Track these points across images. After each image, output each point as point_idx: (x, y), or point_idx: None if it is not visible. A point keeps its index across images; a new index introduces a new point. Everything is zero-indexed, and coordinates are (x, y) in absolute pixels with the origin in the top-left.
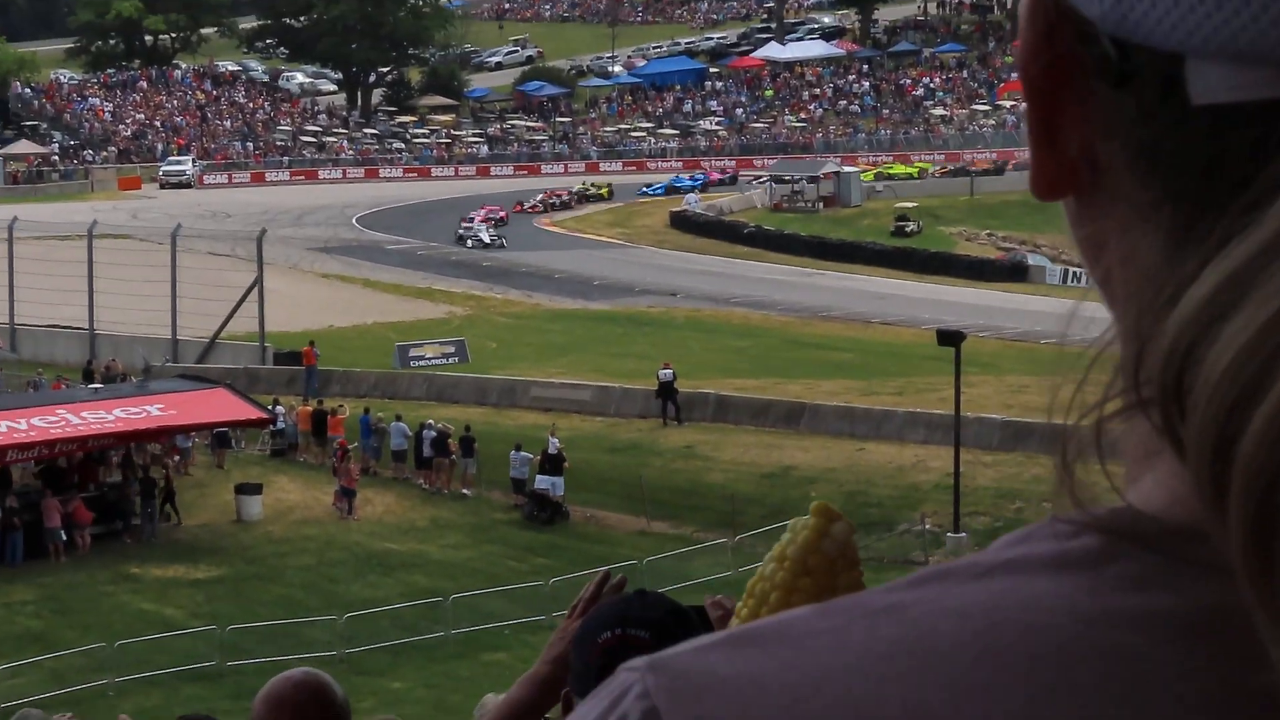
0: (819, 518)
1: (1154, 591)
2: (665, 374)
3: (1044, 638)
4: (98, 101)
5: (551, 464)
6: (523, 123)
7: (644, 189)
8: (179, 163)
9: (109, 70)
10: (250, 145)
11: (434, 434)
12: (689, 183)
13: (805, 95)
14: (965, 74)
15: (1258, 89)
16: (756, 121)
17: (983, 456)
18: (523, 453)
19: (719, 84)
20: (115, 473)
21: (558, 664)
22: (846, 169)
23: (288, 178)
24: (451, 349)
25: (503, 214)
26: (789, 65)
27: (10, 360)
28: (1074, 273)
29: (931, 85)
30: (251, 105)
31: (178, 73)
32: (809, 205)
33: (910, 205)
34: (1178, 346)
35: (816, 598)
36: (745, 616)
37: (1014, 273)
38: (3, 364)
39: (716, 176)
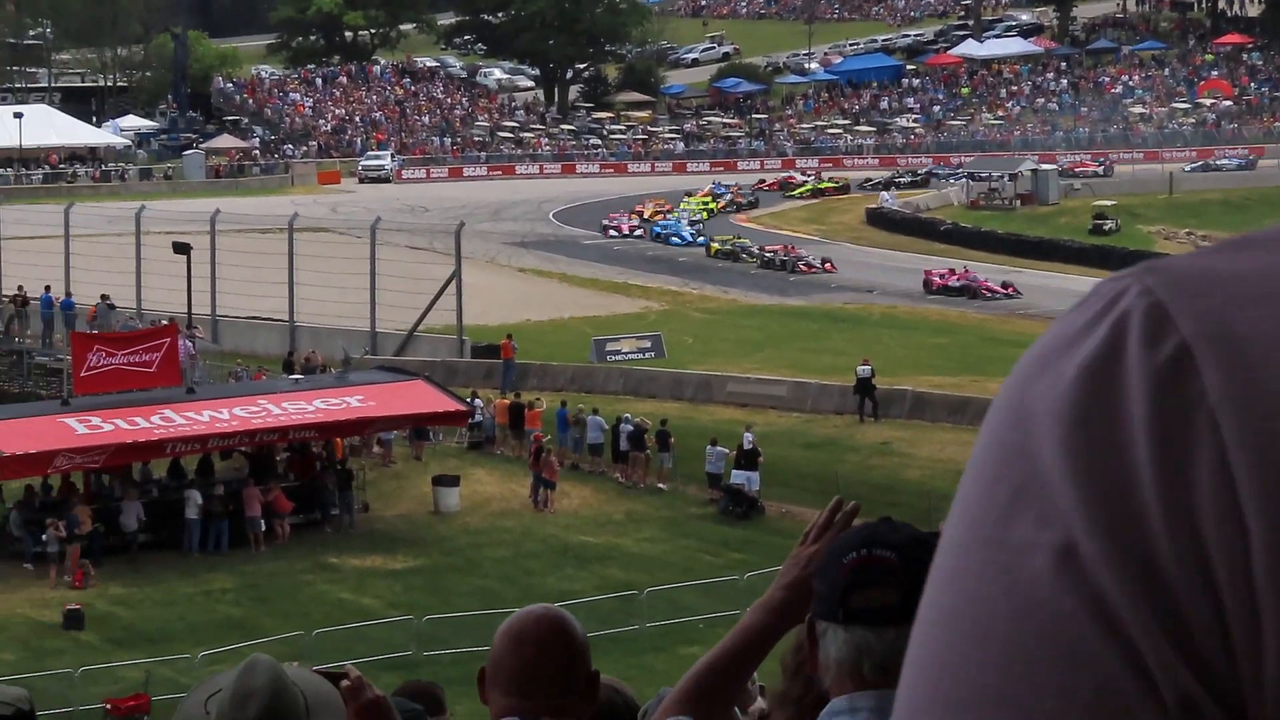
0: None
1: None
2: (864, 370)
3: None
4: (298, 97)
5: (747, 459)
6: (719, 119)
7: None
8: (378, 157)
9: (309, 65)
10: (448, 140)
11: (630, 428)
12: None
13: (1003, 93)
14: (1165, 71)
15: None
16: (953, 119)
17: None
18: (719, 447)
19: (916, 81)
20: (315, 464)
21: (791, 589)
22: (1045, 166)
23: (485, 173)
24: (648, 344)
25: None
26: (986, 63)
27: (212, 351)
28: None
29: (1130, 83)
30: (449, 100)
31: (377, 68)
32: (1006, 203)
33: (1108, 203)
34: None
35: None
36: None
37: None
38: (205, 355)
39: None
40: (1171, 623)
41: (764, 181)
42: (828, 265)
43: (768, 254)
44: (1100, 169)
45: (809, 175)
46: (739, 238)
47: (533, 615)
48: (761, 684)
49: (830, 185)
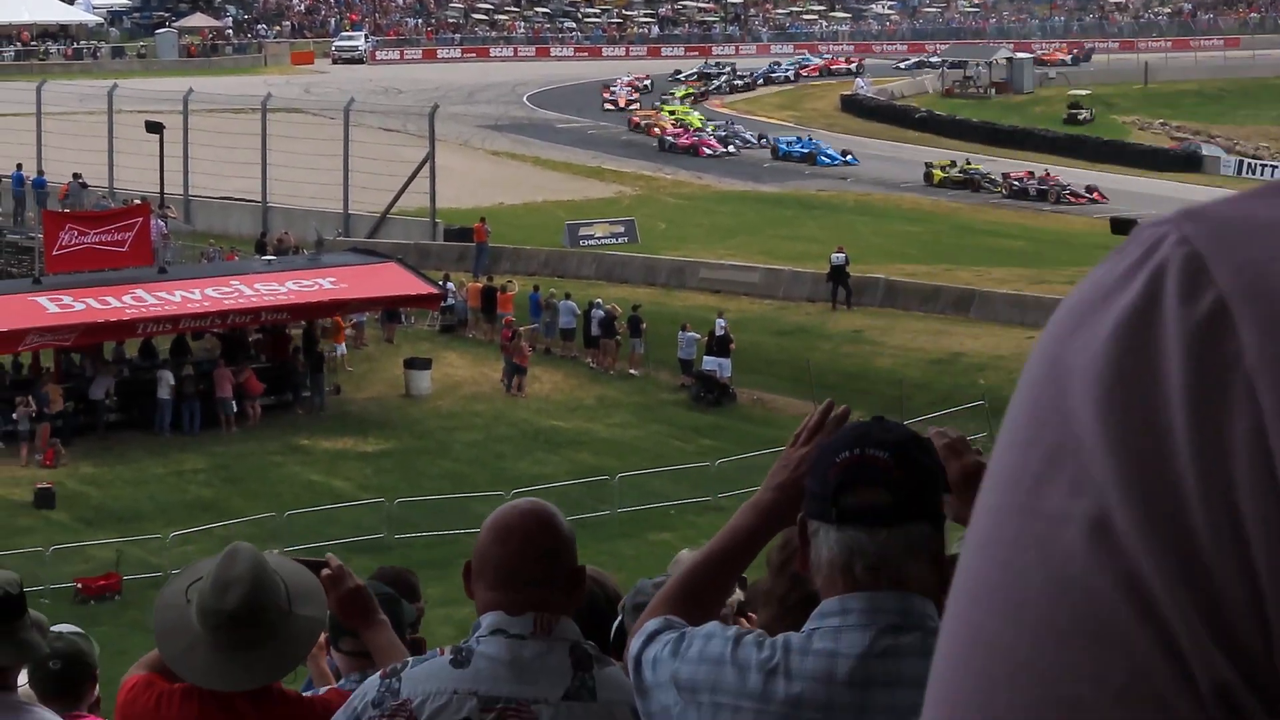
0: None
1: None
2: (838, 257)
3: None
4: None
5: (719, 345)
6: (694, 3)
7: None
8: (352, 38)
9: None
10: (422, 22)
11: (602, 314)
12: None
13: None
14: None
15: None
16: (929, 6)
17: None
18: (690, 333)
19: None
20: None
21: (782, 490)
22: (1020, 55)
23: (459, 55)
24: (621, 229)
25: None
26: None
27: (184, 231)
28: (1248, 163)
29: None
30: None
31: None
32: (981, 91)
33: (1083, 93)
34: None
35: None
36: None
37: (1188, 163)
38: (177, 235)
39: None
40: (1207, 604)
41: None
42: (1095, 195)
43: (1014, 182)
44: (1069, 59)
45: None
46: (969, 164)
47: (518, 509)
48: (743, 575)
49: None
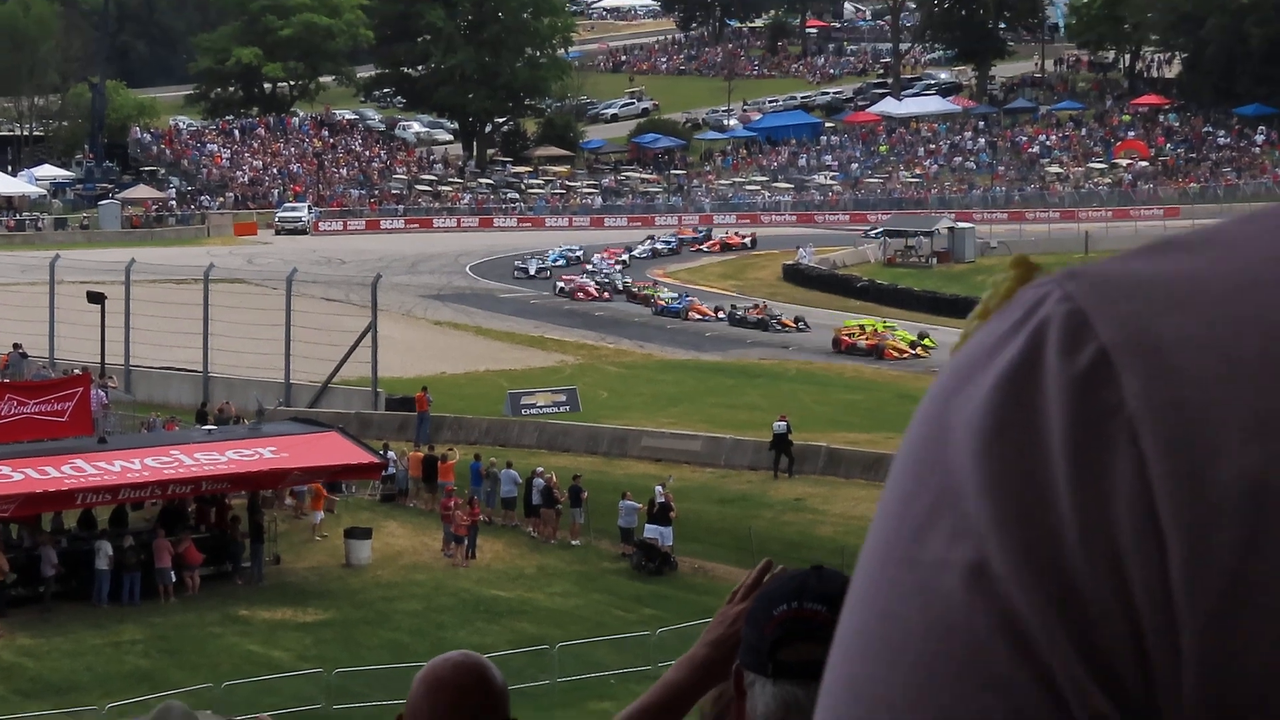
0: (1018, 268)
1: None
2: (779, 426)
3: None
4: (215, 148)
5: (659, 513)
6: (637, 174)
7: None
8: (295, 209)
9: (227, 117)
10: (366, 193)
11: (542, 483)
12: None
13: (921, 151)
14: (1082, 131)
15: None
16: (871, 176)
17: None
18: (630, 502)
19: (834, 139)
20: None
21: (716, 646)
22: (961, 224)
23: (402, 225)
24: (563, 397)
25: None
26: (905, 121)
27: (125, 401)
28: None
29: (1048, 142)
30: (368, 153)
31: (295, 120)
32: (923, 260)
33: None
34: None
35: None
36: None
37: None
38: (118, 405)
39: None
40: (1085, 642)
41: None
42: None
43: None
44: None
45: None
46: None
47: (450, 661)
48: None
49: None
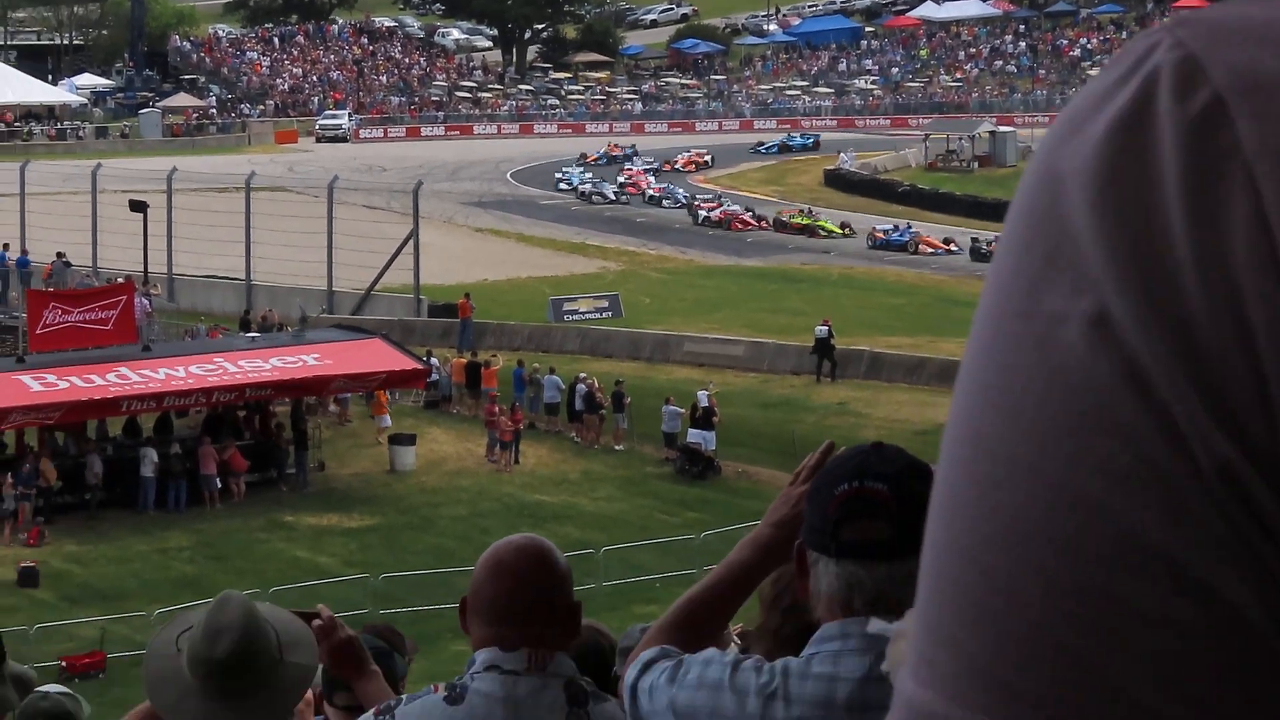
0: None
1: None
2: (822, 330)
3: None
4: (255, 56)
5: (703, 418)
6: (677, 80)
7: (756, 147)
8: (335, 117)
9: (266, 24)
10: (406, 100)
11: (585, 389)
12: (800, 140)
13: (961, 55)
14: (1123, 34)
15: None
16: (912, 81)
17: None
18: (673, 407)
19: (874, 43)
20: (273, 420)
21: (781, 526)
22: (1002, 128)
23: (443, 133)
24: (605, 303)
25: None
26: (945, 25)
27: (169, 310)
28: None
29: (1089, 46)
30: (408, 61)
31: (334, 27)
32: (964, 165)
33: None
34: None
35: None
36: None
37: None
38: (161, 314)
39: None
40: (1207, 386)
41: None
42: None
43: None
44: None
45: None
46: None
47: (513, 544)
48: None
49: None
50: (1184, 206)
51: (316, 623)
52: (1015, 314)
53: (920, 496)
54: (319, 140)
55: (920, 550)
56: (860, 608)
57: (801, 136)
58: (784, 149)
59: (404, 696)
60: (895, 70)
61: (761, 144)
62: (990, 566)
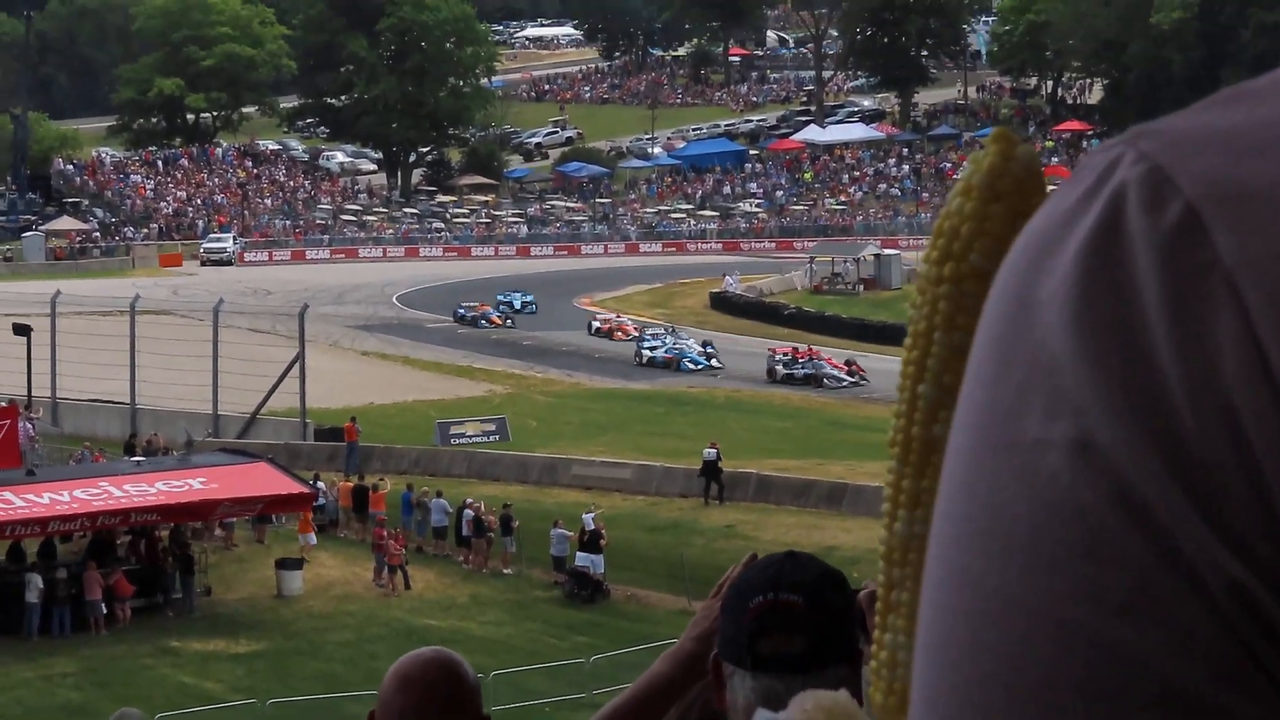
0: (1000, 143)
1: None
2: (709, 453)
3: None
4: (139, 179)
5: (590, 542)
6: (563, 203)
7: None
8: (220, 239)
9: (151, 148)
10: (290, 223)
11: (472, 514)
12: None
13: (845, 178)
14: None
15: None
16: (796, 204)
17: None
18: (562, 530)
19: (759, 166)
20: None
21: (701, 640)
22: (887, 251)
23: (328, 256)
24: (492, 427)
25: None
26: (829, 148)
27: (53, 434)
28: None
29: (960, 175)
30: (292, 184)
31: (219, 150)
32: (850, 288)
33: None
34: None
35: (1012, 224)
36: (934, 258)
37: None
38: (45, 438)
39: None
40: (1206, 505)
41: None
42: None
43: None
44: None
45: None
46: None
47: (421, 657)
48: None
49: None
50: (1168, 325)
51: None
52: (993, 446)
53: (835, 606)
54: (204, 263)
55: (833, 661)
56: None
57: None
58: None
59: None
60: (780, 193)
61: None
62: (990, 705)
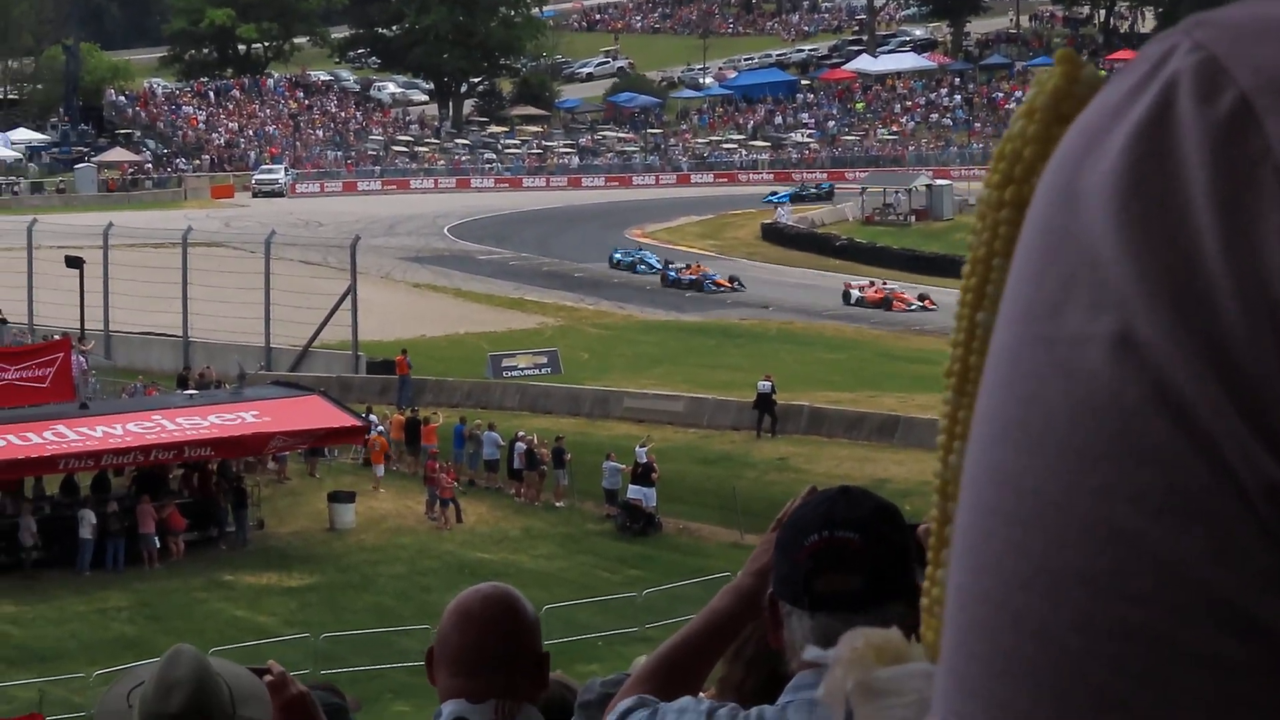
0: (1066, 64)
1: None
2: (764, 385)
3: None
4: (191, 110)
5: (643, 475)
6: (614, 134)
7: (769, 197)
8: (272, 171)
9: (202, 79)
10: (342, 154)
11: (524, 446)
12: (815, 190)
13: (897, 108)
14: None
15: None
16: (848, 134)
17: None
18: (614, 463)
19: (810, 96)
20: (211, 478)
21: (761, 575)
22: (939, 182)
23: (379, 187)
24: (544, 359)
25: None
26: (880, 78)
27: (105, 367)
28: None
29: (1023, 98)
30: (344, 114)
31: (270, 82)
32: (901, 218)
33: None
34: None
35: None
36: (995, 182)
37: None
38: (98, 371)
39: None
40: (1250, 406)
41: None
42: None
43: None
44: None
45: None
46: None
47: (480, 593)
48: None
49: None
50: (1215, 217)
51: (268, 678)
52: (1033, 340)
53: (891, 541)
54: (255, 195)
55: (891, 598)
56: None
57: (817, 187)
58: (796, 199)
59: None
60: (831, 124)
61: (774, 193)
62: (1021, 611)
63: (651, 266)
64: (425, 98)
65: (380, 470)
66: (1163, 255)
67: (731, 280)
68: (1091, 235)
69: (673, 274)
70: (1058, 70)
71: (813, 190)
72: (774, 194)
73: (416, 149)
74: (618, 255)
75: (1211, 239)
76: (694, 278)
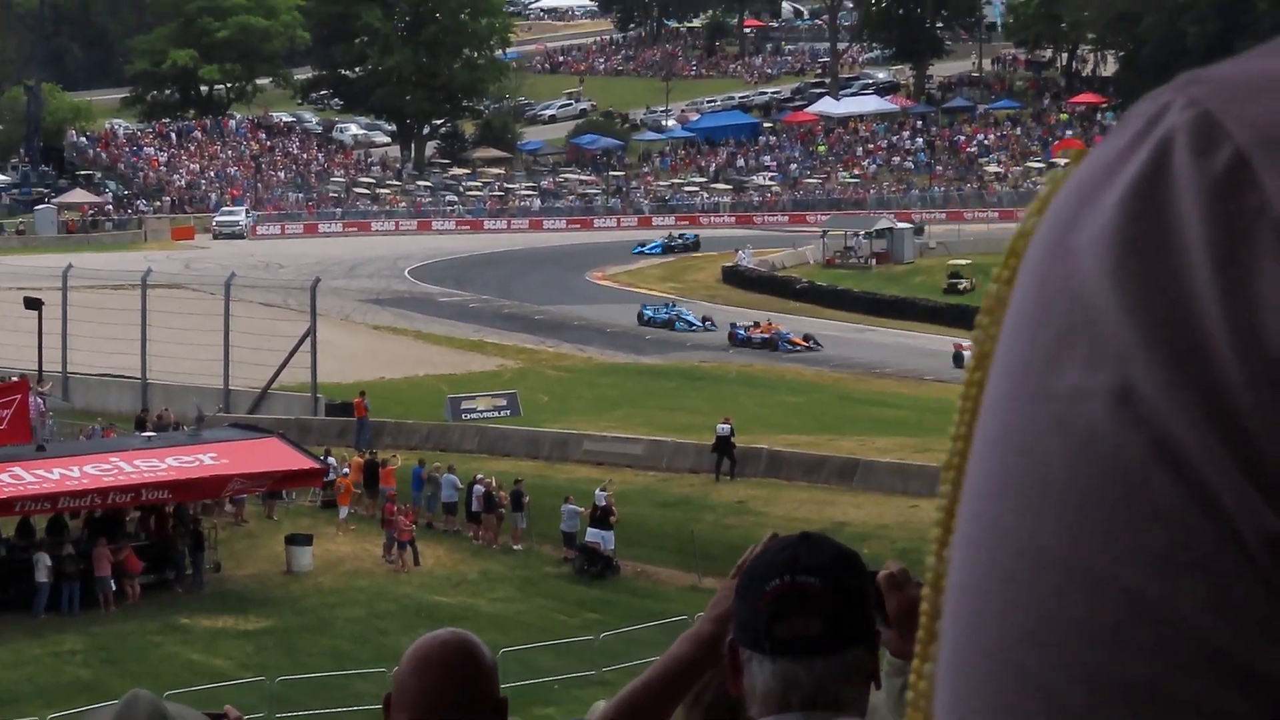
0: (1076, 160)
1: None
2: (723, 428)
3: None
4: (152, 151)
5: (601, 518)
6: (576, 176)
7: (639, 247)
8: (232, 213)
9: (164, 120)
10: (304, 196)
11: (482, 490)
12: (682, 240)
13: (859, 151)
14: (1019, 131)
15: None
16: (810, 177)
17: None
18: (572, 506)
19: (773, 139)
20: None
21: (721, 622)
22: (900, 225)
23: (340, 229)
24: (503, 402)
25: None
26: (843, 121)
27: (63, 408)
28: None
29: (985, 142)
30: (305, 156)
31: (233, 123)
32: (861, 261)
33: (963, 262)
34: None
35: None
36: (1004, 278)
37: None
38: (56, 413)
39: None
40: (1249, 460)
41: None
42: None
43: None
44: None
45: None
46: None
47: (438, 638)
48: None
49: None
50: (1212, 271)
51: None
52: (1030, 395)
53: (851, 587)
54: (216, 237)
55: (851, 643)
56: (797, 704)
57: (683, 236)
58: (666, 249)
59: None
60: (793, 166)
61: (643, 244)
62: (1023, 666)
63: (690, 323)
64: (388, 139)
65: (344, 512)
66: (1160, 309)
67: (807, 339)
68: (1088, 290)
69: (742, 333)
70: (1069, 166)
71: (679, 240)
72: (642, 245)
73: (378, 190)
74: (649, 312)
75: (1209, 293)
76: (765, 336)
